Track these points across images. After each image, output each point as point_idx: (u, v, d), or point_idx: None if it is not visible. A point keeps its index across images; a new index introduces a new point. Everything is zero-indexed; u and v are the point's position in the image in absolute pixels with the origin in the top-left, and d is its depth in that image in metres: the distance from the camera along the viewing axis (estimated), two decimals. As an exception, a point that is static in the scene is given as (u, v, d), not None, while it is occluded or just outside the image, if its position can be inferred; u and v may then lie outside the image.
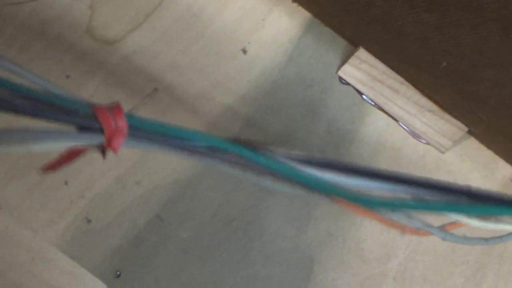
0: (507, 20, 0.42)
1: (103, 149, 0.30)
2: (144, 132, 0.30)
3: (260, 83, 0.71)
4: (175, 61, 0.71)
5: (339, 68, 0.70)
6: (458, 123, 0.68)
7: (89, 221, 0.70)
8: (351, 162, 0.31)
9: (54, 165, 0.32)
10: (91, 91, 0.70)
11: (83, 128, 0.30)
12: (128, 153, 0.72)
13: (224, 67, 0.71)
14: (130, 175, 0.71)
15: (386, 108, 0.69)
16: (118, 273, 0.70)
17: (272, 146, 0.32)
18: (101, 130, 0.29)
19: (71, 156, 0.31)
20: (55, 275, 0.71)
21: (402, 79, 0.68)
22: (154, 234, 0.70)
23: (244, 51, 0.71)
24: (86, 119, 0.29)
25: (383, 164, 0.71)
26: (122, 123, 0.29)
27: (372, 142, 0.71)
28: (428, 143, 0.70)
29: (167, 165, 0.71)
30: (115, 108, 0.29)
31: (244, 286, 0.70)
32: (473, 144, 0.70)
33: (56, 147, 0.29)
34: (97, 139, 0.29)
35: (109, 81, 0.71)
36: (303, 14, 0.71)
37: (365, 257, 0.70)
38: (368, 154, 0.71)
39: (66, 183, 0.70)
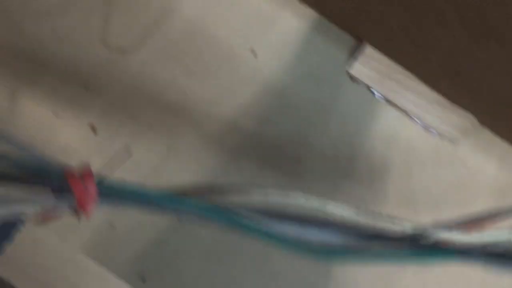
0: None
1: (76, 211, 0.31)
2: (115, 194, 0.31)
3: (271, 84, 0.72)
4: (187, 66, 0.72)
5: (348, 65, 0.70)
6: (469, 115, 0.68)
7: (113, 226, 0.72)
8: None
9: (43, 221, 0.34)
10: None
11: (57, 191, 0.31)
12: (147, 156, 0.74)
13: (234, 70, 0.72)
14: (150, 178, 0.73)
15: (396, 102, 0.70)
16: (143, 277, 0.72)
17: (235, 195, 0.33)
18: (72, 194, 0.31)
19: (50, 217, 0.32)
20: (85, 279, 0.74)
21: (409, 74, 0.68)
22: (176, 237, 0.72)
23: (254, 53, 0.72)
24: (59, 183, 0.31)
25: (397, 159, 0.71)
26: (92, 188, 0.30)
27: (385, 137, 0.71)
28: (440, 136, 0.70)
29: (187, 167, 0.73)
30: (85, 173, 0.31)
31: (266, 284, 0.72)
32: (486, 135, 0.70)
33: (31, 209, 0.31)
34: (70, 201, 0.31)
35: (119, 96, 0.72)
36: (311, 14, 0.72)
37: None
38: (381, 149, 0.71)
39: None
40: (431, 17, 0.50)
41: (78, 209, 0.31)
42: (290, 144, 0.72)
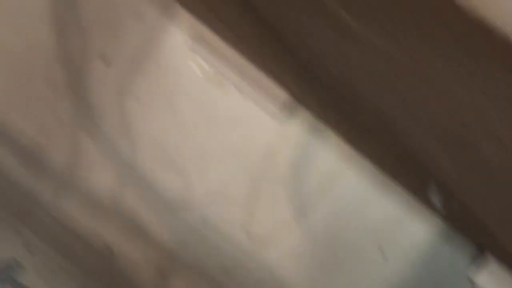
0: None
1: None
2: None
3: (394, 286, 0.76)
4: (319, 261, 0.78)
5: (470, 272, 0.74)
6: None
7: None
8: None
9: None
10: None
11: None
12: None
13: (361, 268, 0.78)
14: None
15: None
16: None
17: None
18: None
19: None
20: None
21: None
22: None
23: (382, 253, 0.77)
24: None
25: None
26: None
27: None
28: None
29: None
30: None
31: None
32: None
33: None
34: None
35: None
36: (436, 220, 0.77)
37: None
38: None
39: None
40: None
41: None
42: None
